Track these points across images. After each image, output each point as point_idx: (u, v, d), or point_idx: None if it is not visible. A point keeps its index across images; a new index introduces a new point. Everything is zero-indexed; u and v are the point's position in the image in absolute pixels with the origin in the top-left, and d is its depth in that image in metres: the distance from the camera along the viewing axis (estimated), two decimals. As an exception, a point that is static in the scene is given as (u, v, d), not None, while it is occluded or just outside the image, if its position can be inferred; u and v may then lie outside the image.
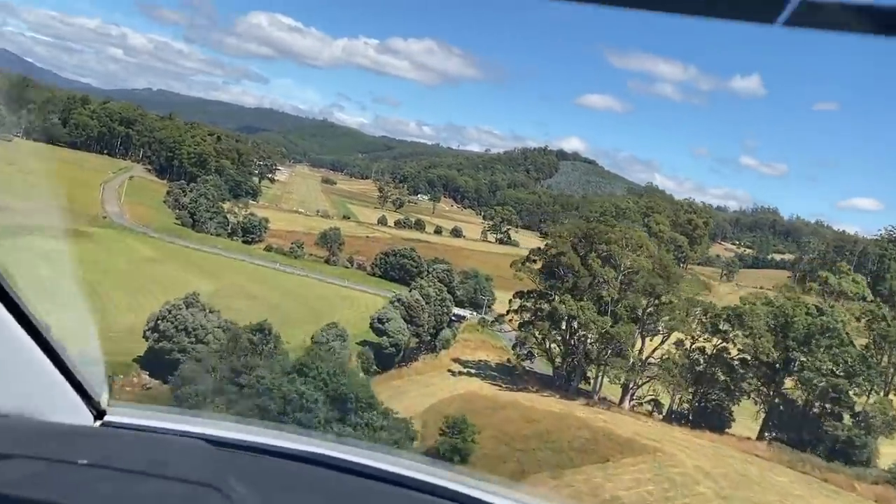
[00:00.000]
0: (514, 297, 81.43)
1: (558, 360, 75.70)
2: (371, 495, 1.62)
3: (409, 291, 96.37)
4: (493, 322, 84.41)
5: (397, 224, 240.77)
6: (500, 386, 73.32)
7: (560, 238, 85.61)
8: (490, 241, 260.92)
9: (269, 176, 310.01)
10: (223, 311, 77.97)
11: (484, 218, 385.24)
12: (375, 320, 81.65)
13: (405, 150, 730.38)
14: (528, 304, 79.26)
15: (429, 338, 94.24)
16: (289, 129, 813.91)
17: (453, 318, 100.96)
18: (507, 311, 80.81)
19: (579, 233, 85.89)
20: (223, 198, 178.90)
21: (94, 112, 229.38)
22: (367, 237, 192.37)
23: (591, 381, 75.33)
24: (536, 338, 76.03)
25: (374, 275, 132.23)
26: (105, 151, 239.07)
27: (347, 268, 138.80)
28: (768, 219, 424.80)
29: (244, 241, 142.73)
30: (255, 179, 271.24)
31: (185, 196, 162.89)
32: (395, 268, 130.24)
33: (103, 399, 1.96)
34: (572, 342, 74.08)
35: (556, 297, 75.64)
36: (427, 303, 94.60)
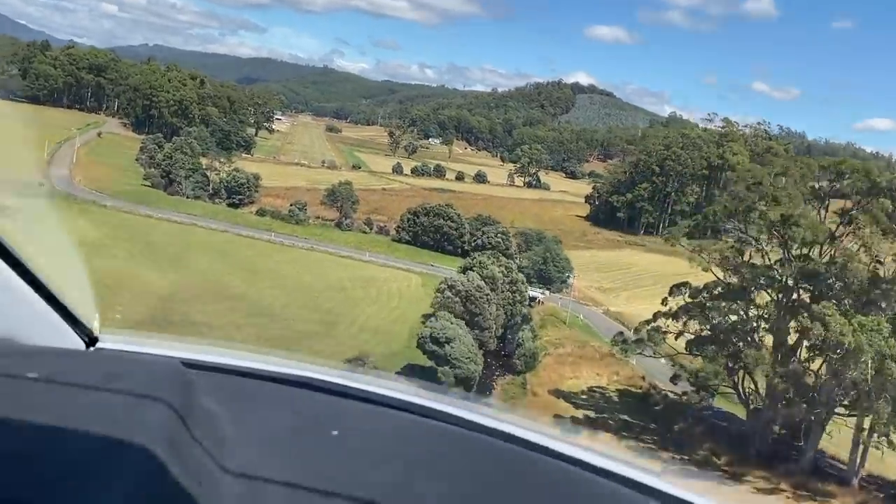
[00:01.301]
0: (674, 292, 46.15)
1: (761, 401, 42.37)
2: (343, 412, 1.54)
3: (464, 273, 63.38)
4: (637, 342, 48.49)
5: (415, 172, 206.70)
6: (654, 446, 40.87)
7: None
8: (518, 186, 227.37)
9: (267, 126, 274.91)
10: (180, 329, 46.65)
11: (503, 160, 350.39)
12: (428, 340, 49.14)
13: (410, 93, 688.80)
14: (708, 308, 44.29)
15: (499, 345, 61.86)
16: (288, 78, 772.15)
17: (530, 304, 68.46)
18: (667, 314, 45.41)
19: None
20: (206, 151, 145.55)
21: (57, 60, 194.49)
22: (384, 189, 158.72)
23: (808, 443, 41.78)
24: (731, 366, 41.86)
25: (400, 240, 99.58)
26: (76, 105, 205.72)
27: (365, 233, 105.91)
28: (801, 144, 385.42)
29: (230, 204, 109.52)
30: (251, 131, 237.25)
31: (160, 152, 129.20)
32: (428, 231, 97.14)
33: (94, 326, 1.90)
34: (794, 371, 40.65)
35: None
36: (493, 289, 61.75)
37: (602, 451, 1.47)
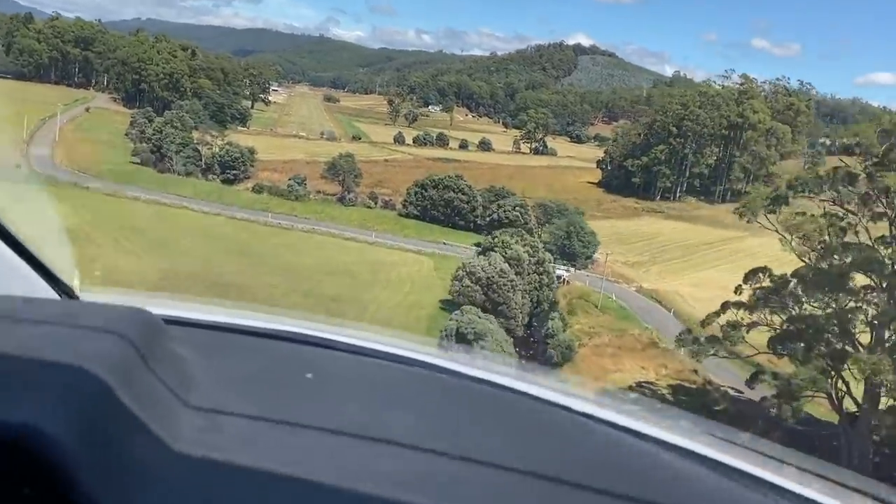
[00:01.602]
0: (750, 278, 38.28)
1: (857, 406, 34.89)
2: (319, 359, 1.51)
3: (483, 255, 56.25)
4: (710, 342, 40.54)
5: (416, 141, 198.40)
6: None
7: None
8: (524, 153, 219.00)
9: (263, 97, 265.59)
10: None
11: (506, 126, 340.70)
12: (453, 335, 41.98)
13: (408, 59, 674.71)
14: (796, 298, 36.48)
15: (525, 333, 54.95)
16: (285, 48, 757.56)
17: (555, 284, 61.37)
18: (741, 304, 37.28)
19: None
20: (198, 125, 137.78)
21: (41, 33, 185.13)
22: (386, 161, 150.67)
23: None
24: (827, 368, 33.89)
25: (407, 215, 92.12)
26: (64, 81, 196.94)
27: (370, 207, 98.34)
28: (811, 99, 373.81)
29: (224, 181, 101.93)
30: (247, 103, 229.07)
31: (150, 126, 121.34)
32: (437, 205, 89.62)
33: (74, 284, 1.84)
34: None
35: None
36: (518, 272, 54.68)
37: (576, 394, 1.41)
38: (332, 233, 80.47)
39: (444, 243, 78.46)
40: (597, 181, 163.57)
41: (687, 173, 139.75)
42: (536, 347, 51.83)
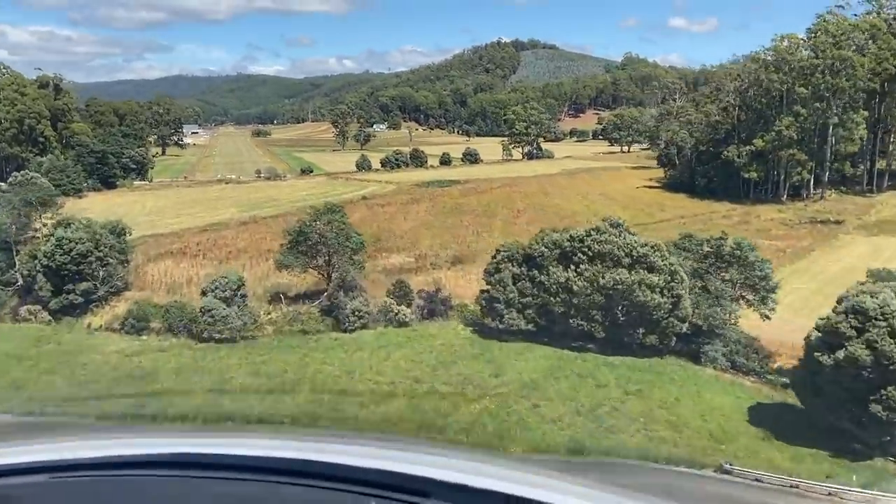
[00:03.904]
0: None
1: None
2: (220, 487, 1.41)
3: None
4: None
5: (386, 164, 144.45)
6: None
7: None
8: (517, 159, 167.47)
9: (177, 139, 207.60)
10: None
11: (467, 134, 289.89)
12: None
13: (335, 84, 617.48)
14: None
15: None
16: (203, 91, 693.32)
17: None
18: None
19: None
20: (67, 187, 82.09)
21: None
22: (365, 198, 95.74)
23: None
24: None
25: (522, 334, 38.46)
26: None
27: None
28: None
29: (56, 311, 45.84)
30: (155, 149, 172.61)
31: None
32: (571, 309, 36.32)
33: None
34: None
35: None
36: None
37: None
38: None
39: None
40: (658, 183, 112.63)
41: (832, 156, 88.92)
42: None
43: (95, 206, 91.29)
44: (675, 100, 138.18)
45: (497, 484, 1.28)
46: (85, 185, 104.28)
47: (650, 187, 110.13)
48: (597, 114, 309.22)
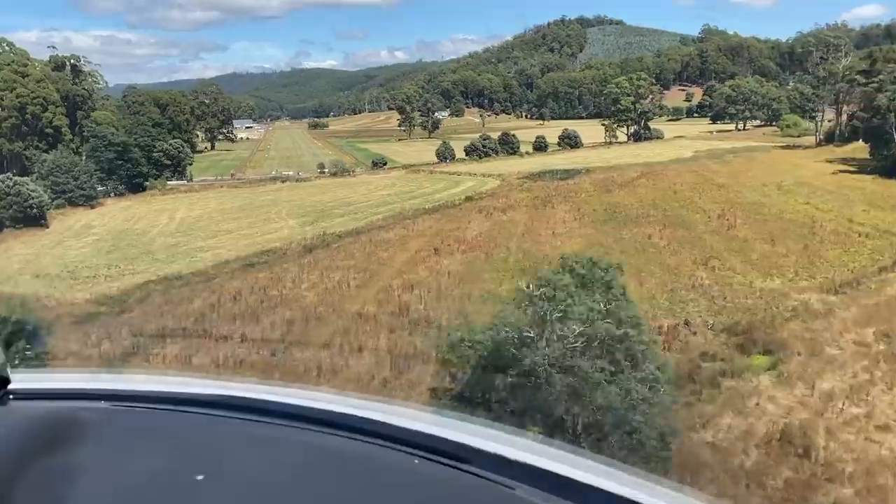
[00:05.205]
0: None
1: None
2: (253, 430, 1.45)
3: None
4: None
5: (472, 153, 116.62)
6: None
7: None
8: (622, 142, 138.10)
9: (227, 132, 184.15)
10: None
11: (542, 118, 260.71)
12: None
13: (389, 74, 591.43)
14: None
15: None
16: (258, 87, 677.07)
17: None
18: None
19: None
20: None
21: None
22: (472, 202, 68.04)
23: None
24: None
25: None
26: None
27: None
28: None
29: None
30: (189, 142, 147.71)
31: None
32: None
33: (6, 368, 1.77)
34: None
35: None
36: None
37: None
38: None
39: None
40: (852, 167, 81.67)
41: None
42: None
43: (105, 221, 65.44)
44: (837, 60, 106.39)
45: (531, 458, 1.37)
46: (102, 188, 79.20)
47: (848, 172, 79.11)
48: (683, 89, 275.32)
